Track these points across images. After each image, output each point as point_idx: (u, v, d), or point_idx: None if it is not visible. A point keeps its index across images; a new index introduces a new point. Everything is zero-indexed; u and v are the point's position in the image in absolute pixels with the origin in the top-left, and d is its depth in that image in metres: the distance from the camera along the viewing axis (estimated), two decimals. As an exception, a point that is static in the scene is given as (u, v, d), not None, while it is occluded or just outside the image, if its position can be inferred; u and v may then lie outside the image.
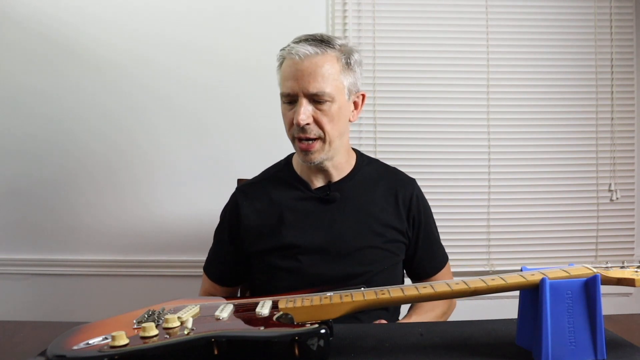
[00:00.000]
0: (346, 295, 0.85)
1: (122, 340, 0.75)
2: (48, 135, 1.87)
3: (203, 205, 1.87)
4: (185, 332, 0.78)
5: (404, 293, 0.83)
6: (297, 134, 1.19)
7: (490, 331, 0.93)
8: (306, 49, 1.17)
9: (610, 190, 2.03)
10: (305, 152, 1.20)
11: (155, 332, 0.78)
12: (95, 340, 0.78)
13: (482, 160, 2.00)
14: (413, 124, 1.98)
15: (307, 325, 0.77)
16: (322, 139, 1.20)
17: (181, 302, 0.96)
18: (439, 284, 0.83)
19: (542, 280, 0.78)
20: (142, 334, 0.77)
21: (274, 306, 0.87)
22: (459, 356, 0.81)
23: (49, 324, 1.09)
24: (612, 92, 2.03)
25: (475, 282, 0.82)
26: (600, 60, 2.02)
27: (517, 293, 0.86)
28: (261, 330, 0.77)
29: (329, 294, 0.88)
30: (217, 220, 1.34)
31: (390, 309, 1.29)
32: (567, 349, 0.77)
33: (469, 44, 1.99)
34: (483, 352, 0.83)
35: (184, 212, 1.89)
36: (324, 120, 1.18)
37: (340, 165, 1.28)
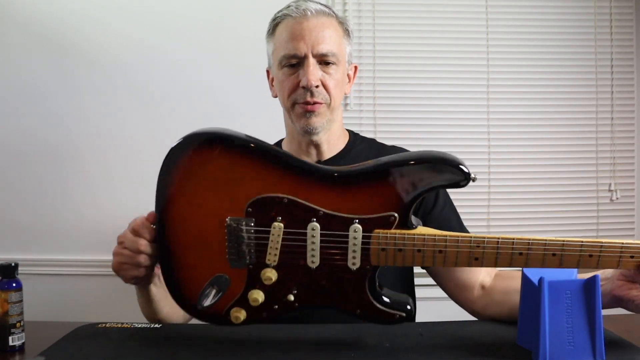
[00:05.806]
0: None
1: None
2: (45, 134, 1.86)
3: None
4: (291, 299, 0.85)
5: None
6: (303, 98, 1.08)
7: (490, 331, 0.94)
8: (314, 5, 1.09)
9: (610, 190, 2.03)
10: (310, 113, 1.09)
11: (275, 275, 0.84)
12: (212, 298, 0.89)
13: (482, 160, 1.99)
14: (413, 123, 1.98)
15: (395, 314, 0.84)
16: (328, 104, 1.10)
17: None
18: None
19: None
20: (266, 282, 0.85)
21: (365, 258, 0.83)
22: (459, 356, 0.81)
23: (49, 324, 1.09)
24: (612, 92, 2.02)
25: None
26: (600, 60, 2.02)
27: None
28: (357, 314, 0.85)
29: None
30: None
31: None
32: (565, 349, 0.77)
33: (469, 44, 1.98)
34: (483, 352, 0.83)
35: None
36: (331, 84, 1.09)
37: (333, 142, 1.18)
